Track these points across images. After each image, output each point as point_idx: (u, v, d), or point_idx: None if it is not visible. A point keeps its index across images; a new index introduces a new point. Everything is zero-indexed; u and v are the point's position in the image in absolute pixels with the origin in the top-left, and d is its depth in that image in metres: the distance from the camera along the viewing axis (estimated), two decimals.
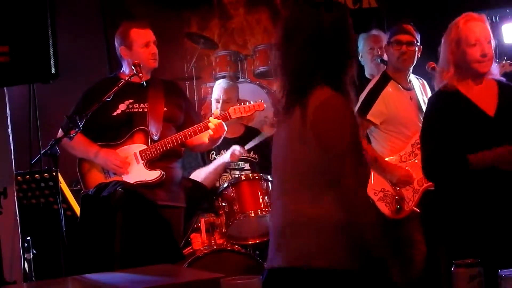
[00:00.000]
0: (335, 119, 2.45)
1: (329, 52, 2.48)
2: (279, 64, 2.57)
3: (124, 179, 4.09)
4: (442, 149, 3.34)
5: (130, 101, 4.18)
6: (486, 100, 3.39)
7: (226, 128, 4.22)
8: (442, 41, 3.50)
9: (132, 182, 4.08)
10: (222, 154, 4.87)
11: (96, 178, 4.14)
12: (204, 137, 4.26)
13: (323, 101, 2.45)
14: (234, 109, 4.35)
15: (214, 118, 4.22)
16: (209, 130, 4.17)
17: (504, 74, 4.39)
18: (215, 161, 4.77)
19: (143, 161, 4.14)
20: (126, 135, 4.16)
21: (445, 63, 3.46)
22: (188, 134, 4.16)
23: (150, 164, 4.14)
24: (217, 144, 4.38)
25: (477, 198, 3.29)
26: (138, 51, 4.20)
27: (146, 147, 4.14)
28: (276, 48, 2.59)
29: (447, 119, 3.36)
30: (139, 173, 4.12)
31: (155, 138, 4.14)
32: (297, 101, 2.50)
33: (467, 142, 3.31)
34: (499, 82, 3.48)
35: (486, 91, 3.42)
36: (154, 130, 4.14)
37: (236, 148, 4.66)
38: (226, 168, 4.84)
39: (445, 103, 3.41)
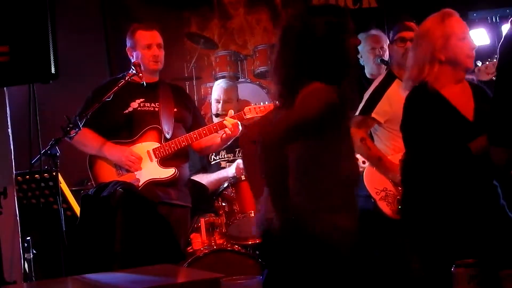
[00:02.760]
0: (306, 101, 2.51)
1: (321, 56, 2.51)
2: (273, 68, 2.62)
3: (137, 176, 4.10)
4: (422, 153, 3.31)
5: (141, 100, 4.20)
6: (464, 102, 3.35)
7: (241, 128, 4.23)
8: (414, 41, 3.48)
9: (145, 179, 4.09)
10: (221, 155, 4.87)
11: (108, 174, 4.14)
12: (216, 138, 4.26)
13: (309, 91, 2.51)
14: (250, 109, 4.36)
15: (230, 118, 4.22)
16: (226, 129, 4.16)
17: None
18: (219, 173, 4.74)
19: (157, 159, 4.14)
20: (139, 133, 4.16)
21: (423, 61, 3.40)
22: (203, 132, 4.17)
23: (164, 162, 4.15)
24: (227, 144, 4.38)
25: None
26: (140, 52, 4.23)
27: (159, 145, 4.15)
28: (272, 52, 2.64)
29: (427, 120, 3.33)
30: (152, 171, 4.12)
31: (168, 136, 4.15)
32: (287, 100, 2.57)
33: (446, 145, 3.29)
34: (470, 83, 3.47)
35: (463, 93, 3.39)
36: (166, 128, 4.16)
37: (241, 162, 4.65)
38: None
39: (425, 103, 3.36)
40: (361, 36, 5.21)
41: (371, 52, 5.13)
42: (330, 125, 2.52)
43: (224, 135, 4.19)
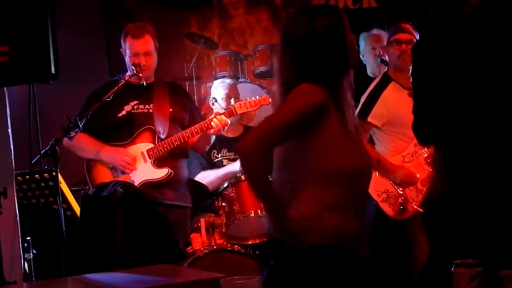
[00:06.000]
0: (286, 103, 2.47)
1: (322, 55, 2.50)
2: (276, 70, 2.60)
3: (131, 177, 4.08)
4: None
5: (135, 102, 4.19)
6: None
7: (229, 122, 4.21)
8: None
9: (140, 181, 4.07)
10: (223, 153, 4.86)
11: (104, 176, 4.13)
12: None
13: (292, 92, 2.48)
14: (240, 104, 4.33)
15: (221, 114, 4.20)
16: (212, 123, 4.12)
17: None
18: (226, 168, 4.70)
19: (150, 160, 4.12)
20: (133, 135, 4.15)
21: None
22: (194, 131, 4.15)
23: (158, 162, 4.13)
24: (212, 141, 4.36)
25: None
26: (128, 59, 4.20)
27: (153, 145, 4.13)
28: (275, 54, 2.62)
29: None
30: (147, 172, 4.10)
31: (162, 137, 4.14)
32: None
33: None
34: None
35: None
36: (161, 129, 4.14)
37: None
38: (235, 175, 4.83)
39: None
40: (362, 36, 5.24)
41: (372, 52, 5.15)
42: (313, 124, 2.46)
43: (212, 131, 4.16)
